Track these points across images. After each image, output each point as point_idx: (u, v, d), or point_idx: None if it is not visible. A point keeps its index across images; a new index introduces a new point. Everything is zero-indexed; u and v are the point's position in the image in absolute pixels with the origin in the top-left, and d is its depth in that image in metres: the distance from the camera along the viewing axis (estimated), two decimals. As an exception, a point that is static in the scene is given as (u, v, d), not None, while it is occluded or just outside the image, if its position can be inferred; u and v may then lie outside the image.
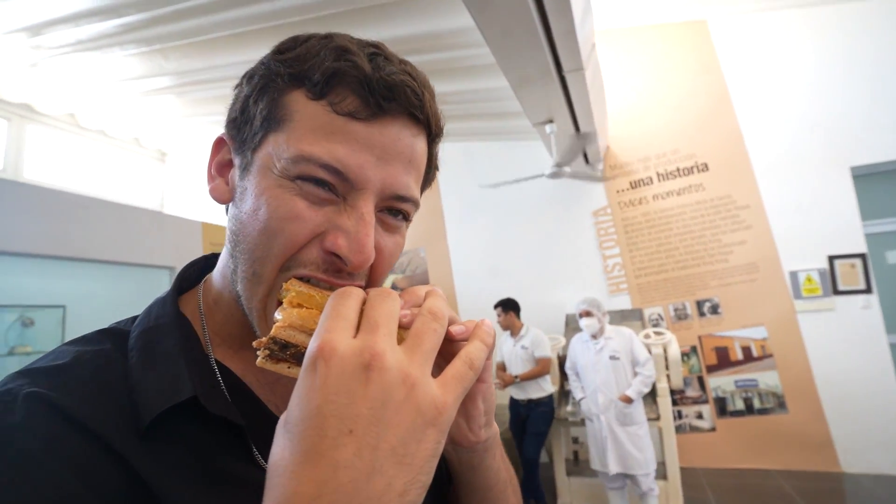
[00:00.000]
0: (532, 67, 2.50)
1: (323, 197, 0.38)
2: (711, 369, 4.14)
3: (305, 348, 0.31)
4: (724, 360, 4.11)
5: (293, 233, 0.38)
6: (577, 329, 3.20)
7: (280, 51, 0.41)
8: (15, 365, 2.83)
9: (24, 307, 2.96)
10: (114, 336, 0.42)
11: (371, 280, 0.43)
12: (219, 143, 0.45)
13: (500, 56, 2.38)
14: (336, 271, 0.39)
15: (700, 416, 4.13)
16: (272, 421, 0.35)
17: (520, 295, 3.75)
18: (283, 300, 0.36)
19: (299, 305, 0.35)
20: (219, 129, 0.46)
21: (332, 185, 0.38)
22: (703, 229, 4.26)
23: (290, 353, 0.33)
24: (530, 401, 3.39)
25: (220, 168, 0.45)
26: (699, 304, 4.25)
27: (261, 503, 0.28)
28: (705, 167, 4.30)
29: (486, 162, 5.11)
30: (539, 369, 3.40)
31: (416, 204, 0.43)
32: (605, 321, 3.05)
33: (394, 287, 5.63)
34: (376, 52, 0.40)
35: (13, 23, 2.87)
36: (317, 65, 0.38)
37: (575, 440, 4.01)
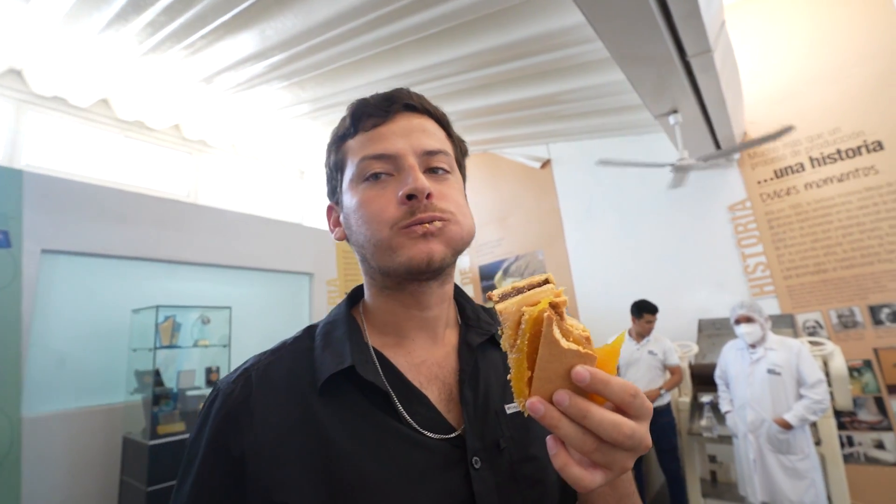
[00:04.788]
0: (650, 58, 2.35)
1: (384, 181, 0.56)
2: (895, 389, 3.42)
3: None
4: (913, 379, 3.37)
5: (379, 206, 0.54)
6: (712, 335, 2.90)
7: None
8: (197, 355, 3.41)
9: (202, 308, 3.52)
10: (309, 330, 0.62)
11: (445, 210, 0.56)
12: (329, 209, 0.66)
13: (614, 51, 2.28)
14: (414, 212, 0.53)
15: (880, 446, 3.43)
16: (415, 393, 0.54)
17: (646, 298, 3.51)
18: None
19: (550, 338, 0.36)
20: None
21: (386, 171, 0.56)
22: (878, 220, 3.56)
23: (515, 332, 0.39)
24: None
25: (336, 222, 0.65)
26: (873, 310, 3.55)
27: (403, 449, 0.49)
28: (878, 146, 3.59)
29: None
30: (677, 379, 3.15)
31: (445, 153, 0.59)
32: (768, 328, 2.72)
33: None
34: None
35: (195, 75, 3.51)
36: (344, 119, 0.61)
37: (712, 458, 3.61)
